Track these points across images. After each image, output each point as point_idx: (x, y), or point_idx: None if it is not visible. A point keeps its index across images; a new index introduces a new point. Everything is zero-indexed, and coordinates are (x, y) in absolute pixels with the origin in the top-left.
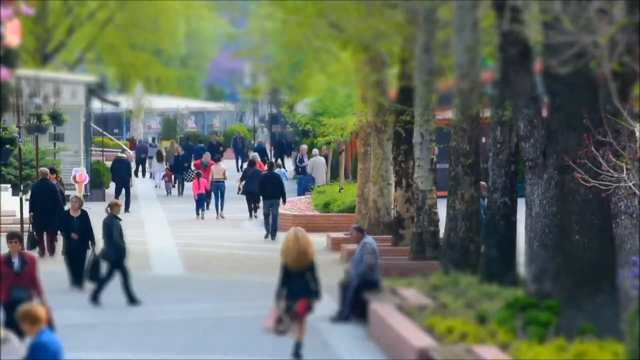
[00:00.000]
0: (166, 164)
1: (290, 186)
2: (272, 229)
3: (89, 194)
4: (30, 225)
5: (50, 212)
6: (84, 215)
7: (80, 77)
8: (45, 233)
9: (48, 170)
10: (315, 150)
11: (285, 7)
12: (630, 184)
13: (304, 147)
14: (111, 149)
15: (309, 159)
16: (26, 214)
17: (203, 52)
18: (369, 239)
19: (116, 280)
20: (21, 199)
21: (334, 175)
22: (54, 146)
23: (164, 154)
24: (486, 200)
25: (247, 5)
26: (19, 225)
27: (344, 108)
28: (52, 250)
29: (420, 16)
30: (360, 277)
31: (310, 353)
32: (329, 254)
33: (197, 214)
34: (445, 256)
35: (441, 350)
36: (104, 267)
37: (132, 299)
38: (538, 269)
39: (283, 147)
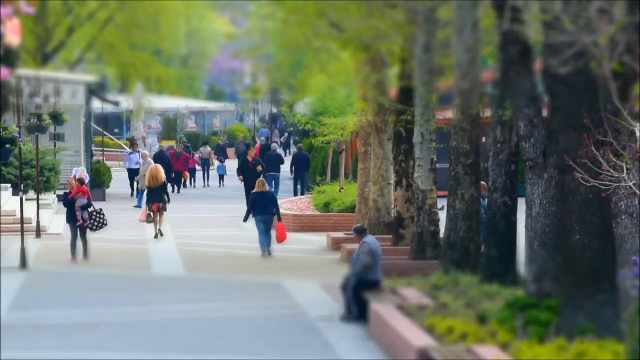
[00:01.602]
0: None
1: (288, 186)
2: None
3: None
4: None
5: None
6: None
7: (81, 77)
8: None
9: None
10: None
11: (285, 7)
12: (630, 184)
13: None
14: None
15: None
16: (26, 214)
17: (203, 52)
18: (369, 238)
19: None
20: (21, 199)
21: (334, 175)
22: (54, 146)
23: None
24: (486, 200)
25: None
26: (19, 225)
27: (344, 108)
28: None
29: (420, 16)
30: (357, 277)
31: (310, 353)
32: (329, 254)
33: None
34: (446, 256)
35: (441, 350)
36: None
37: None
38: (538, 269)
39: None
